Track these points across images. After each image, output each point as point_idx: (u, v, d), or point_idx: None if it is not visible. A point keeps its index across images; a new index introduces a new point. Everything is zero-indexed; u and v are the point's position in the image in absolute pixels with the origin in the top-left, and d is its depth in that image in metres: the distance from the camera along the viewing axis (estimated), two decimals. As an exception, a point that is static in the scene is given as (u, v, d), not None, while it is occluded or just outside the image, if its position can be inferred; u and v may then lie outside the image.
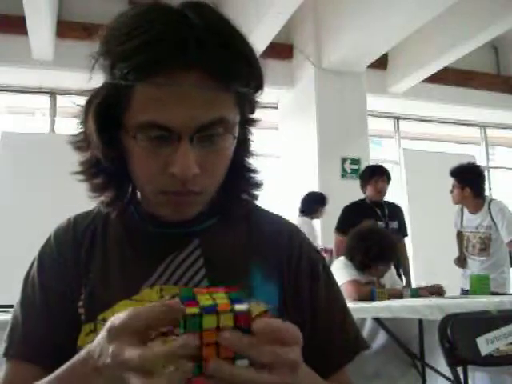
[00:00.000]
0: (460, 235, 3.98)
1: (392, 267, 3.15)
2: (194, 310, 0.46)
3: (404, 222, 4.26)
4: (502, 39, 6.41)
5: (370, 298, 2.61)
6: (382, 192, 4.05)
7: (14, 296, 0.77)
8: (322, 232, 4.83)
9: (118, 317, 0.49)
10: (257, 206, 0.81)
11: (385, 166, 4.32)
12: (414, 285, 3.91)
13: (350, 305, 0.80)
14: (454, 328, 1.72)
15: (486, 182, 4.10)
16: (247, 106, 0.68)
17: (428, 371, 2.38)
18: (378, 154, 6.74)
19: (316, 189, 5.19)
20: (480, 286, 3.06)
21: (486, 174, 4.18)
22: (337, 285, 0.80)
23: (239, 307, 0.45)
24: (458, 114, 6.94)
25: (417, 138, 7.45)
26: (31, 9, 4.20)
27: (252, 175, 0.75)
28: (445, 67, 5.89)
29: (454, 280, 3.89)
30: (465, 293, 3.67)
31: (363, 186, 4.14)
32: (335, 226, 4.08)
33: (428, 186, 5.64)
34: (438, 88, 6.32)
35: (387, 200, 4.15)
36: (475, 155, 6.43)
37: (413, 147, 6.78)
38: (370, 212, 3.88)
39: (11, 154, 4.82)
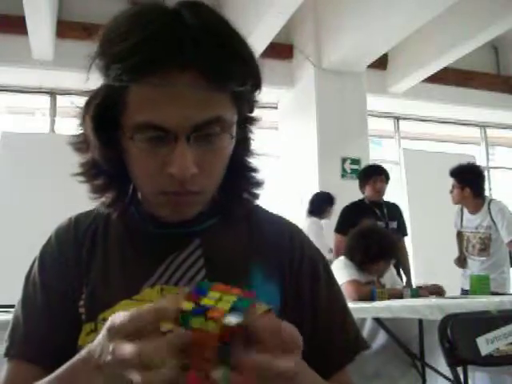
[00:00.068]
0: (460, 235, 3.98)
1: (392, 267, 3.15)
2: (188, 306, 0.46)
3: (403, 221, 4.26)
4: (502, 39, 6.41)
5: (371, 297, 2.61)
6: (381, 192, 4.05)
7: (14, 296, 0.77)
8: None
9: (117, 316, 0.49)
10: (257, 205, 0.81)
11: (385, 165, 4.32)
12: (414, 285, 3.90)
13: (350, 305, 0.81)
14: (454, 328, 1.72)
15: (486, 182, 4.11)
16: (245, 105, 0.68)
17: (428, 371, 2.38)
18: (377, 154, 6.75)
19: (316, 189, 5.19)
20: (480, 286, 3.06)
21: (485, 174, 4.18)
22: (337, 285, 0.80)
23: (229, 320, 0.45)
24: (458, 113, 6.94)
25: (417, 138, 7.45)
26: (31, 9, 4.20)
27: (252, 174, 0.75)
28: (445, 67, 5.89)
29: (454, 280, 3.89)
30: (465, 293, 3.67)
31: (362, 187, 4.14)
32: (335, 228, 4.08)
33: (428, 186, 5.65)
34: (437, 88, 6.33)
35: (386, 200, 4.15)
36: (475, 155, 6.43)
37: (413, 147, 6.78)
38: (369, 212, 3.88)
39: (11, 153, 4.82)
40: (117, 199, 0.72)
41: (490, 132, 7.52)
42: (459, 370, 1.71)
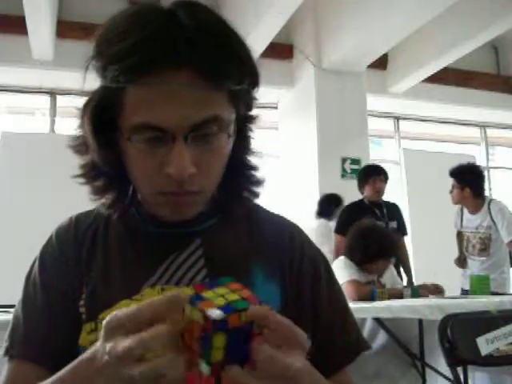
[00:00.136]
0: (460, 235, 3.99)
1: (392, 267, 3.15)
2: (188, 293, 0.49)
3: (403, 221, 4.26)
4: (502, 39, 6.41)
5: (371, 297, 2.61)
6: (381, 192, 4.05)
7: (14, 296, 0.77)
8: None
9: (113, 315, 0.49)
10: (258, 205, 0.81)
11: (385, 165, 4.32)
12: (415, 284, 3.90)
13: (350, 305, 0.81)
14: (454, 328, 1.72)
15: (486, 182, 4.11)
16: (242, 103, 0.67)
17: (428, 371, 2.38)
18: (377, 153, 6.75)
19: (316, 189, 5.19)
20: (480, 285, 3.06)
21: (485, 174, 4.18)
22: (338, 285, 0.80)
23: (211, 312, 0.46)
24: (458, 113, 6.94)
25: (417, 138, 7.45)
26: (31, 9, 4.20)
27: (252, 172, 0.75)
28: (445, 67, 5.89)
29: (454, 280, 3.89)
30: (465, 293, 3.68)
31: (361, 187, 4.14)
32: (335, 229, 4.08)
33: (428, 186, 5.65)
34: (437, 88, 6.32)
35: (385, 200, 4.15)
36: (475, 155, 6.43)
37: (413, 147, 6.78)
38: (369, 212, 3.88)
39: (11, 153, 4.82)
40: (117, 200, 0.72)
41: (490, 132, 7.52)
42: (459, 369, 1.71)
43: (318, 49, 5.50)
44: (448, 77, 6.27)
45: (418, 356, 2.36)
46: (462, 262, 3.97)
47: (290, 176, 5.79)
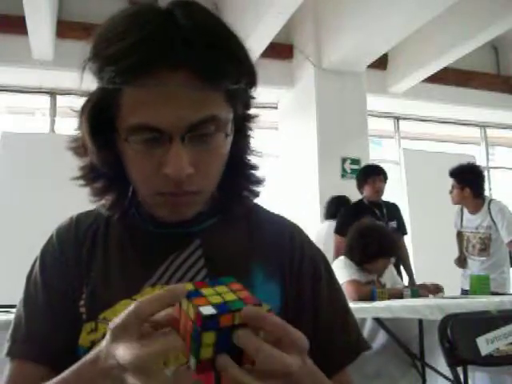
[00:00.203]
0: (460, 235, 3.99)
1: (392, 267, 3.15)
2: (188, 288, 0.49)
3: (403, 220, 4.26)
4: (502, 39, 6.41)
5: (371, 297, 2.61)
6: (380, 191, 4.05)
7: (15, 296, 0.77)
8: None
9: (119, 317, 0.49)
10: (258, 205, 0.81)
11: (385, 166, 4.32)
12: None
13: (350, 305, 0.81)
14: (454, 328, 1.72)
15: (486, 182, 4.11)
16: (240, 102, 0.67)
17: (428, 371, 2.38)
18: (377, 153, 6.74)
19: (316, 189, 5.19)
20: (480, 285, 3.06)
21: (485, 174, 4.18)
22: (339, 285, 0.80)
23: (202, 309, 0.46)
24: (458, 114, 6.94)
25: (417, 138, 7.45)
26: (31, 9, 4.20)
27: (252, 172, 0.75)
28: (445, 67, 5.89)
29: (454, 280, 3.89)
30: (465, 293, 3.68)
31: (360, 187, 4.14)
32: (334, 229, 4.08)
33: (428, 186, 5.65)
34: (437, 88, 6.32)
35: (385, 200, 4.15)
36: (475, 155, 6.43)
37: (413, 147, 6.78)
38: (368, 212, 3.88)
39: (11, 153, 4.82)
40: (117, 201, 0.72)
41: (489, 132, 7.52)
42: (459, 369, 1.71)
43: (318, 49, 5.49)
44: (448, 77, 6.27)
45: (418, 356, 2.36)
46: (462, 261, 3.97)
47: (290, 176, 5.79)
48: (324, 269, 0.77)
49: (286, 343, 0.48)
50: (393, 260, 3.08)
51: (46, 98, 5.69)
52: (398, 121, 6.98)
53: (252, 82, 0.67)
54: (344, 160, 5.42)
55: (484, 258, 3.79)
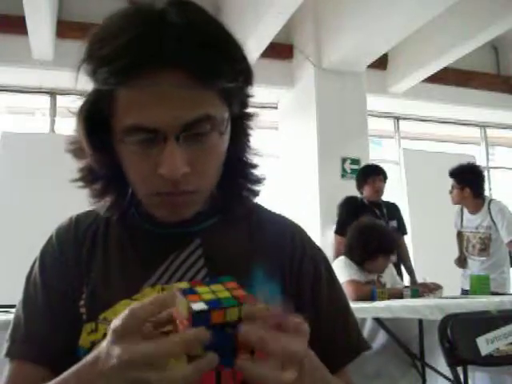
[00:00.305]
0: (460, 235, 3.99)
1: (392, 267, 3.15)
2: (183, 286, 0.50)
3: (403, 220, 4.26)
4: (502, 39, 6.40)
5: (371, 297, 2.61)
6: (380, 191, 4.05)
7: (14, 296, 0.77)
8: (321, 232, 4.83)
9: (119, 317, 0.49)
10: (258, 204, 0.81)
11: (385, 166, 4.32)
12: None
13: (350, 305, 0.81)
14: (454, 328, 1.72)
15: (486, 182, 4.11)
16: (236, 101, 0.67)
17: (428, 371, 2.38)
18: (377, 153, 6.74)
19: (316, 189, 5.18)
20: (480, 285, 3.06)
21: (485, 174, 4.18)
22: (339, 285, 0.80)
23: (194, 305, 0.46)
24: (458, 114, 6.93)
25: (417, 138, 7.44)
26: (31, 9, 4.19)
27: (251, 171, 0.74)
28: (445, 67, 5.88)
29: (454, 280, 3.89)
30: (465, 293, 3.68)
31: (360, 187, 4.13)
32: (335, 230, 4.07)
33: (428, 186, 5.64)
34: (437, 88, 6.32)
35: (384, 200, 4.15)
36: (475, 155, 6.42)
37: (413, 147, 6.78)
38: (368, 212, 3.88)
39: (11, 153, 4.81)
40: (116, 202, 0.72)
41: (489, 132, 7.52)
42: (459, 369, 1.71)
43: (318, 49, 5.49)
44: (448, 77, 6.27)
45: (418, 356, 2.36)
46: (462, 261, 3.97)
47: (290, 176, 5.78)
48: (324, 268, 0.77)
49: (288, 328, 0.49)
50: (393, 259, 3.08)
51: (46, 98, 5.68)
52: (398, 121, 6.97)
53: (248, 81, 0.67)
54: (344, 160, 5.41)
55: (484, 258, 3.79)
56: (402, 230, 4.17)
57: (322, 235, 4.78)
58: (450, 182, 3.84)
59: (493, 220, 3.70)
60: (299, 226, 0.81)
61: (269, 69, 5.32)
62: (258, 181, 0.75)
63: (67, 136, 0.71)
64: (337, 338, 0.74)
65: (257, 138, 0.74)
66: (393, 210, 4.16)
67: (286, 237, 0.77)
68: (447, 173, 3.84)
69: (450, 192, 3.84)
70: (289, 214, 0.83)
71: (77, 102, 0.67)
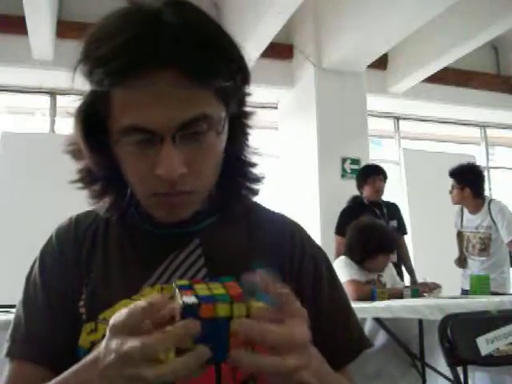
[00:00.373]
0: (460, 235, 3.99)
1: (392, 267, 3.16)
2: (180, 283, 0.51)
3: (403, 220, 4.26)
4: (502, 39, 6.40)
5: (371, 297, 2.61)
6: (380, 191, 4.05)
7: (14, 296, 0.77)
8: (321, 232, 4.83)
9: (117, 315, 0.49)
10: (257, 203, 0.81)
11: (385, 165, 4.32)
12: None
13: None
14: (454, 328, 1.72)
15: (486, 182, 4.11)
16: (233, 100, 0.67)
17: (428, 371, 2.38)
18: (377, 153, 6.74)
19: (316, 189, 5.18)
20: (480, 285, 3.06)
21: (485, 174, 4.18)
22: (340, 283, 0.80)
23: (186, 299, 0.47)
24: (458, 114, 6.93)
25: (417, 138, 7.44)
26: (31, 9, 4.19)
27: (250, 169, 0.74)
28: (445, 67, 5.88)
29: (454, 280, 3.89)
30: (465, 293, 3.68)
31: (360, 187, 4.13)
32: (335, 230, 4.07)
33: (428, 186, 5.64)
34: (437, 88, 6.32)
35: (384, 199, 4.15)
36: (475, 155, 6.42)
37: (413, 147, 6.77)
38: (368, 212, 3.88)
39: (11, 153, 4.81)
40: (115, 203, 0.72)
41: (489, 132, 7.51)
42: (459, 369, 1.71)
43: (318, 49, 5.49)
44: (448, 77, 6.27)
45: (418, 356, 2.36)
46: (462, 261, 3.97)
47: (290, 176, 5.78)
48: (325, 267, 0.77)
49: (289, 313, 0.49)
50: (393, 259, 3.08)
51: (46, 98, 5.68)
52: (398, 121, 6.97)
53: (245, 80, 0.67)
54: (344, 160, 5.41)
55: (484, 258, 3.79)
56: (402, 229, 4.18)
57: (322, 235, 4.78)
58: (450, 182, 3.84)
59: (493, 220, 3.70)
60: (299, 225, 0.81)
61: (269, 69, 5.32)
62: (257, 179, 0.75)
63: (66, 137, 0.71)
64: (338, 338, 0.74)
65: (257, 138, 0.74)
66: (393, 210, 4.16)
67: (286, 235, 0.77)
68: (447, 173, 3.84)
69: (450, 192, 3.84)
70: (289, 214, 0.83)
71: (76, 103, 0.67)
